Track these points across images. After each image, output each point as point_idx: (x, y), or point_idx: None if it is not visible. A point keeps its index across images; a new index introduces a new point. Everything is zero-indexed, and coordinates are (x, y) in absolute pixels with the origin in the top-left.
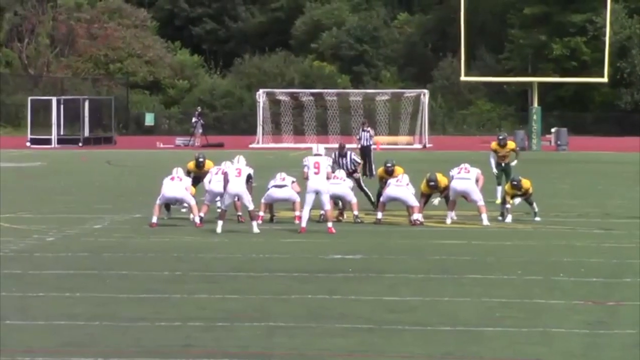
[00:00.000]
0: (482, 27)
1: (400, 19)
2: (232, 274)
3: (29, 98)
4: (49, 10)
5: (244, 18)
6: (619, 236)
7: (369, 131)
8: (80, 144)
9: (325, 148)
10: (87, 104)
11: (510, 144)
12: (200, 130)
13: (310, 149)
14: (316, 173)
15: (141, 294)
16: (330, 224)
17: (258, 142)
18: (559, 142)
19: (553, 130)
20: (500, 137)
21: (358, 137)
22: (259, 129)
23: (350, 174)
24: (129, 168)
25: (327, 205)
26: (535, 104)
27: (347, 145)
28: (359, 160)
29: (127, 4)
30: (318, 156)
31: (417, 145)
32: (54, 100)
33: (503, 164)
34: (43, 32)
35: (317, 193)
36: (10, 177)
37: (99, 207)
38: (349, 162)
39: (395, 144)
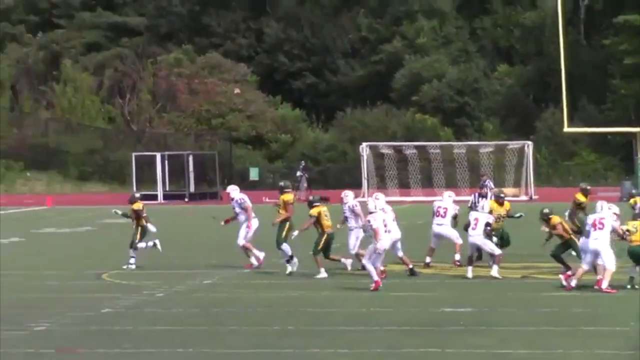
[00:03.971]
0: (583, 78)
1: (500, 70)
2: (343, 328)
3: (133, 154)
4: (149, 66)
5: (343, 72)
6: None
7: (488, 185)
8: (186, 200)
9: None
10: (191, 159)
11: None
12: (305, 184)
13: (419, 202)
14: (387, 231)
15: (252, 349)
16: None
17: (364, 196)
18: None
19: None
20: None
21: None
22: (364, 183)
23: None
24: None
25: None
26: None
27: (457, 198)
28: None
29: (226, 59)
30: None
31: (524, 197)
32: (158, 155)
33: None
34: (144, 88)
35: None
36: (117, 233)
37: (207, 262)
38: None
39: None
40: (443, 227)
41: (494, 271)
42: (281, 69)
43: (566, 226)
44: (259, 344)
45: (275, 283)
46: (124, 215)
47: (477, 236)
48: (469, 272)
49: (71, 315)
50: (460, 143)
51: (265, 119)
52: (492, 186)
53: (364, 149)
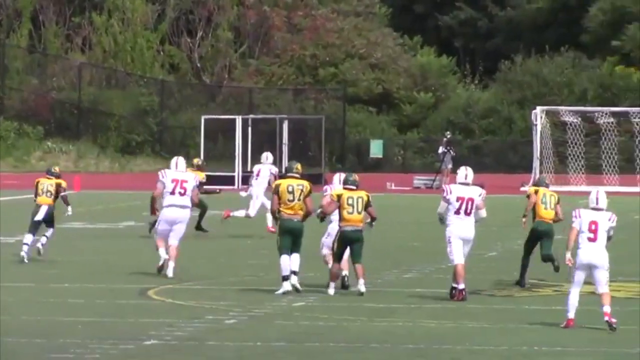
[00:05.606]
0: None
1: None
2: None
3: (203, 117)
4: None
5: (514, 3)
6: None
7: None
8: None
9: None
10: (286, 125)
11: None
12: (450, 166)
13: (614, 194)
14: (592, 239)
15: None
16: (608, 308)
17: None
18: None
19: None
20: None
21: None
22: (536, 165)
23: None
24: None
25: (604, 287)
26: None
27: None
28: None
29: None
30: (599, 211)
31: None
32: (239, 119)
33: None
34: (224, 23)
35: (591, 268)
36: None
37: (300, 275)
38: None
39: None
40: None
41: None
42: None
43: None
44: None
45: (399, 308)
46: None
47: None
48: None
49: (100, 348)
50: None
51: (397, 70)
52: None
53: (538, 115)
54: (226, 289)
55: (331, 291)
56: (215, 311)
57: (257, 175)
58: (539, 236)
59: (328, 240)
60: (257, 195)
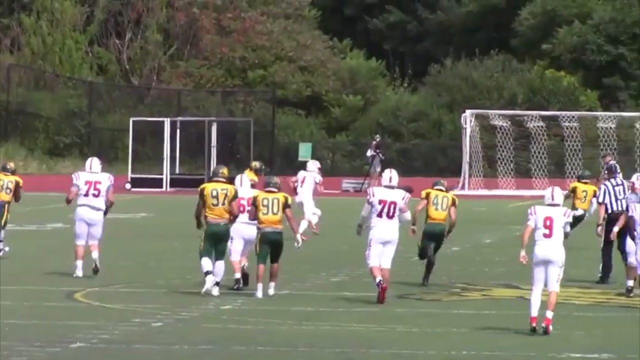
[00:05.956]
0: None
1: None
2: None
3: (131, 119)
4: None
5: (444, 7)
6: None
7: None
8: None
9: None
10: (215, 127)
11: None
12: (379, 169)
13: (542, 197)
14: (547, 235)
15: None
16: (550, 314)
17: (463, 187)
18: None
19: None
20: None
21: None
22: (465, 168)
23: None
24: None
25: (555, 284)
26: None
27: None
28: None
29: None
30: (554, 207)
31: None
32: (167, 122)
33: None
34: (153, 25)
35: (546, 264)
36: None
37: (228, 277)
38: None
39: None
40: None
41: None
42: (353, 1)
43: None
44: None
45: (327, 311)
46: None
47: None
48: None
49: (27, 350)
50: (609, 113)
51: (326, 73)
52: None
53: (467, 118)
54: (153, 292)
55: (259, 293)
56: (142, 314)
57: (302, 182)
58: (434, 237)
59: (235, 244)
60: (305, 200)
